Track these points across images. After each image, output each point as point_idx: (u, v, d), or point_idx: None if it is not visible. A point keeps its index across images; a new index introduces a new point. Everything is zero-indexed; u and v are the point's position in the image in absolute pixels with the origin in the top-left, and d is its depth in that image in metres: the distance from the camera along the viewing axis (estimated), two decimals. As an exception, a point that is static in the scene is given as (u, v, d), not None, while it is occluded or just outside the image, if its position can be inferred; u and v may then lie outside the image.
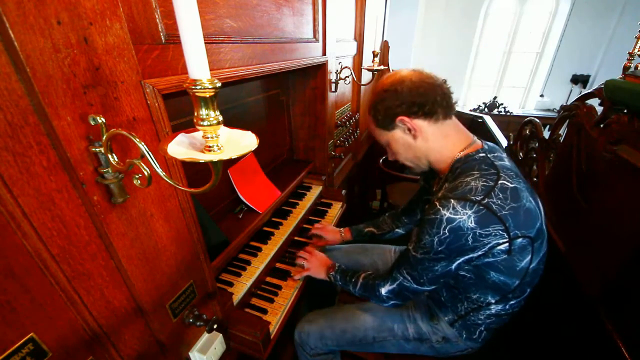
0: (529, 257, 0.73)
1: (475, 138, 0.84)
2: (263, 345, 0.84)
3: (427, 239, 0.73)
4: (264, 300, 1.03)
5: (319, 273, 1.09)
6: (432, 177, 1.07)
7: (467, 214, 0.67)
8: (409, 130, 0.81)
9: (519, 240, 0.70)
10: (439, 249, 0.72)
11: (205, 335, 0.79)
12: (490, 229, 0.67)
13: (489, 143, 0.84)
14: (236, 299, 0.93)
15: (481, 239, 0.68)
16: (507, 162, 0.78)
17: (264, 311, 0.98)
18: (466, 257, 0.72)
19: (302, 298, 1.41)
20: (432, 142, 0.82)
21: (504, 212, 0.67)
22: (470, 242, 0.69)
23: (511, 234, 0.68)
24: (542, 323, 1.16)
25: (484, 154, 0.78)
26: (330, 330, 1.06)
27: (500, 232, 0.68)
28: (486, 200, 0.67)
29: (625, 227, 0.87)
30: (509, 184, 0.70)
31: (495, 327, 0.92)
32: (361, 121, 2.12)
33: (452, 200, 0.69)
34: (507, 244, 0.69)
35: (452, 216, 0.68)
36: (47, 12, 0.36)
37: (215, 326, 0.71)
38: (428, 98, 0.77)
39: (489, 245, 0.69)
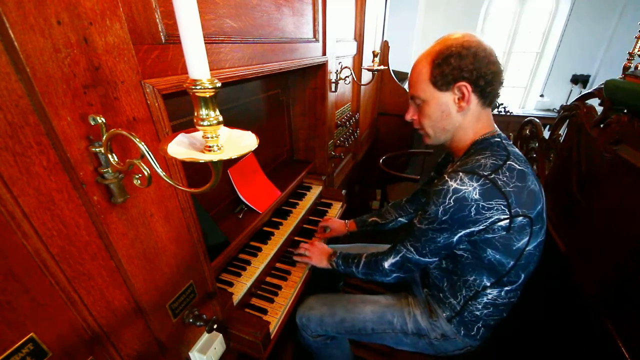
0: (527, 238, 0.76)
1: (496, 127, 0.85)
2: (263, 346, 0.84)
3: (433, 209, 0.76)
4: (264, 300, 1.03)
5: (320, 261, 1.12)
6: (444, 166, 1.09)
7: (472, 185, 0.70)
8: (460, 99, 0.78)
9: (519, 218, 0.72)
10: (443, 218, 0.75)
11: (205, 335, 0.79)
12: (493, 202, 0.70)
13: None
14: (236, 299, 0.93)
15: (483, 211, 0.71)
16: (517, 150, 0.81)
17: (264, 311, 0.98)
18: (467, 230, 0.75)
19: (303, 298, 1.41)
20: (466, 121, 0.82)
21: (508, 189, 0.70)
22: (472, 214, 0.72)
23: (512, 211, 0.71)
24: (541, 323, 1.16)
25: (499, 139, 0.80)
26: (330, 318, 1.09)
27: (502, 208, 0.71)
28: (493, 176, 0.71)
29: (625, 227, 0.87)
30: (516, 165, 0.74)
31: (492, 324, 0.92)
32: (361, 121, 2.12)
33: (460, 173, 0.72)
34: (507, 221, 0.72)
35: (458, 187, 0.71)
36: (47, 12, 0.36)
37: (215, 326, 0.71)
38: (495, 79, 0.76)
39: (490, 220, 0.72)
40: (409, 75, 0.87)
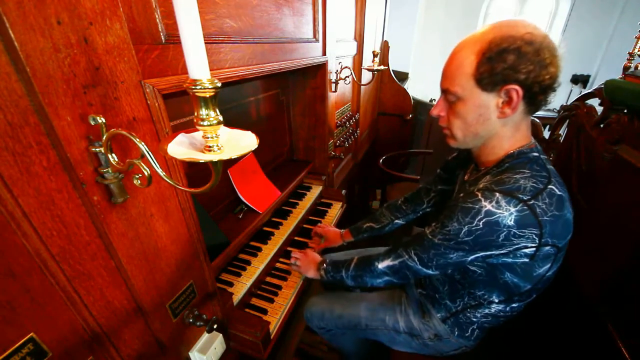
0: (549, 265, 0.70)
1: (533, 139, 0.75)
2: (263, 345, 0.84)
3: (455, 226, 0.68)
4: (264, 300, 1.03)
5: (307, 270, 1.06)
6: (457, 166, 1.02)
7: (509, 210, 0.62)
8: (505, 104, 0.66)
9: (547, 248, 0.66)
10: (465, 239, 0.67)
11: (205, 335, 0.79)
12: (526, 231, 0.63)
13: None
14: (236, 299, 0.93)
15: (513, 238, 0.64)
16: (554, 168, 0.72)
17: (264, 311, 0.98)
18: (488, 252, 0.68)
19: (303, 298, 1.41)
20: (505, 129, 0.71)
21: (545, 218, 0.63)
22: (500, 240, 0.65)
23: (542, 240, 0.64)
24: (541, 323, 1.16)
25: (537, 154, 0.71)
26: (329, 314, 1.12)
27: (534, 237, 0.64)
28: (532, 202, 0.63)
29: (625, 227, 0.87)
30: (557, 191, 0.66)
31: (488, 327, 0.91)
32: (361, 121, 2.12)
33: (498, 194, 0.64)
34: (533, 249, 0.65)
35: (493, 210, 0.63)
36: (47, 12, 0.36)
37: (215, 326, 0.71)
38: (552, 84, 0.64)
39: (516, 247, 0.65)
40: (445, 63, 0.72)
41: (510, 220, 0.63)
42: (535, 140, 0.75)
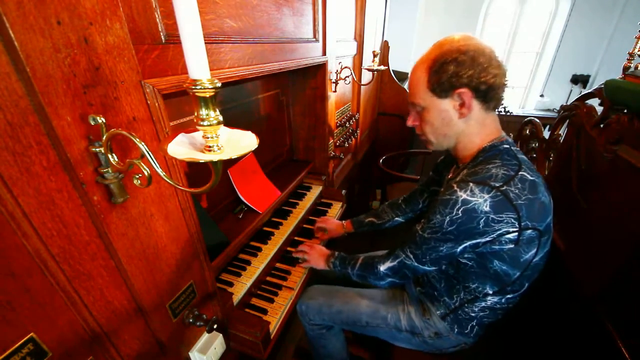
0: (535, 250, 0.74)
1: (503, 132, 0.82)
2: (263, 346, 0.84)
3: (438, 219, 0.73)
4: (264, 300, 1.03)
5: (318, 263, 1.13)
6: (444, 167, 1.09)
7: (483, 197, 0.68)
8: (461, 106, 0.76)
9: (528, 231, 0.70)
10: (449, 229, 0.72)
11: (205, 336, 0.79)
12: (503, 215, 0.68)
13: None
14: (236, 299, 0.93)
15: (492, 224, 0.69)
16: (526, 158, 0.78)
17: (264, 311, 0.98)
18: (474, 241, 0.73)
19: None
20: (470, 127, 0.79)
21: (519, 202, 0.68)
22: (481, 226, 0.69)
23: (522, 224, 0.69)
24: (541, 322, 1.16)
25: (508, 146, 0.77)
26: (328, 308, 1.12)
27: (512, 221, 0.68)
28: (504, 188, 0.68)
29: (625, 227, 0.87)
30: (528, 176, 0.71)
31: (486, 323, 0.92)
32: (361, 121, 2.12)
33: (471, 184, 0.70)
34: (516, 234, 0.70)
35: (468, 198, 0.69)
36: (47, 12, 0.36)
37: (215, 326, 0.71)
38: (496, 83, 0.72)
39: (498, 232, 0.70)
40: (408, 79, 0.83)
41: (486, 206, 0.68)
42: (505, 133, 0.83)
